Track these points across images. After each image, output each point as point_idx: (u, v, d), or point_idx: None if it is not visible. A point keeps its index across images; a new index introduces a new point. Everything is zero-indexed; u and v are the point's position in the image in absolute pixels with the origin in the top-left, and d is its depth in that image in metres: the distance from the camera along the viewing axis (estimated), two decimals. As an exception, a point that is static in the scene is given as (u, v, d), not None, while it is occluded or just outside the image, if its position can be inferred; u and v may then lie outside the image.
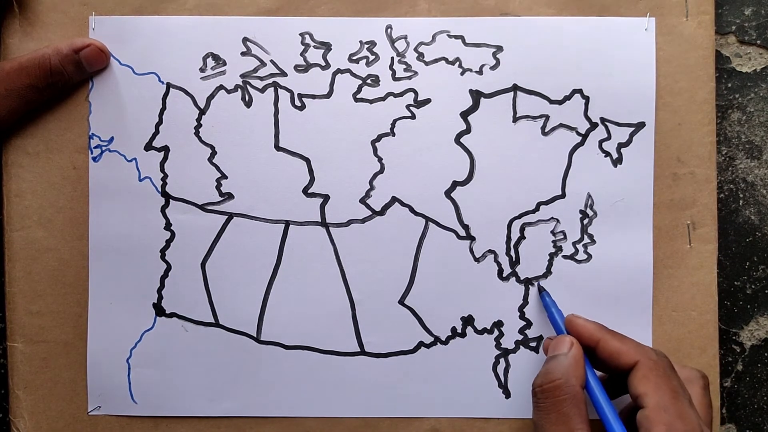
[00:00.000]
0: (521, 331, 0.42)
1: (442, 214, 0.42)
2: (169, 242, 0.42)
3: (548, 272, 0.42)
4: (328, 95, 0.42)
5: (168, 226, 0.42)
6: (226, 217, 0.42)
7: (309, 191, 0.42)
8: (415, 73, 0.42)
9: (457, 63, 0.42)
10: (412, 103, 0.42)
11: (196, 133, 0.42)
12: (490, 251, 0.42)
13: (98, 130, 0.42)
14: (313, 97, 0.42)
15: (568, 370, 0.35)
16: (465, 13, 0.42)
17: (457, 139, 0.42)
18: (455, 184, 0.42)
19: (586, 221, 0.42)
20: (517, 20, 0.42)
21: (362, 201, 0.42)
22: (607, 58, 0.42)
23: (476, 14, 0.42)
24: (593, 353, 0.37)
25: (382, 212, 0.42)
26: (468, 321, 0.42)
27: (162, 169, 0.42)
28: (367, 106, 0.42)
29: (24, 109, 0.41)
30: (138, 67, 0.42)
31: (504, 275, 0.42)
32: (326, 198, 0.42)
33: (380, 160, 0.42)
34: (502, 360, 0.42)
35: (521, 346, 0.42)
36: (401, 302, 0.42)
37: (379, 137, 0.42)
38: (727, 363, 0.44)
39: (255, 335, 0.43)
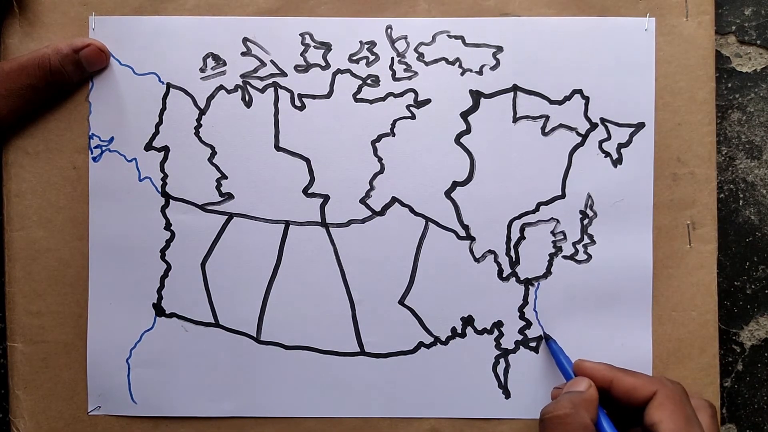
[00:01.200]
0: (521, 331, 0.42)
1: (442, 215, 0.42)
2: (169, 242, 0.42)
3: (548, 272, 0.42)
4: (328, 95, 0.42)
5: (168, 226, 0.42)
6: (226, 217, 0.42)
7: (309, 191, 0.42)
8: (415, 73, 0.42)
9: (457, 63, 0.42)
10: (412, 103, 0.42)
11: (196, 133, 0.42)
12: (490, 251, 0.42)
13: (98, 130, 0.42)
14: (313, 97, 0.42)
15: (580, 403, 0.35)
16: (465, 13, 0.42)
17: (457, 140, 0.42)
18: (455, 185, 0.42)
19: (586, 221, 0.42)
20: (517, 20, 0.42)
21: (362, 201, 0.42)
22: (607, 58, 0.42)
23: (476, 14, 0.42)
24: (606, 393, 0.37)
25: (382, 212, 0.42)
26: (468, 321, 0.42)
27: (162, 169, 0.42)
28: (367, 106, 0.42)
29: (24, 109, 0.41)
30: (138, 67, 0.42)
31: (504, 275, 0.42)
32: (326, 198, 0.42)
33: (380, 160, 0.42)
34: (502, 360, 0.42)
35: (521, 347, 0.42)
36: (401, 302, 0.42)
37: (379, 137, 0.42)
38: (727, 363, 0.44)
39: (255, 335, 0.43)
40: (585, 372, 0.38)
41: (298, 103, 0.42)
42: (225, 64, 0.42)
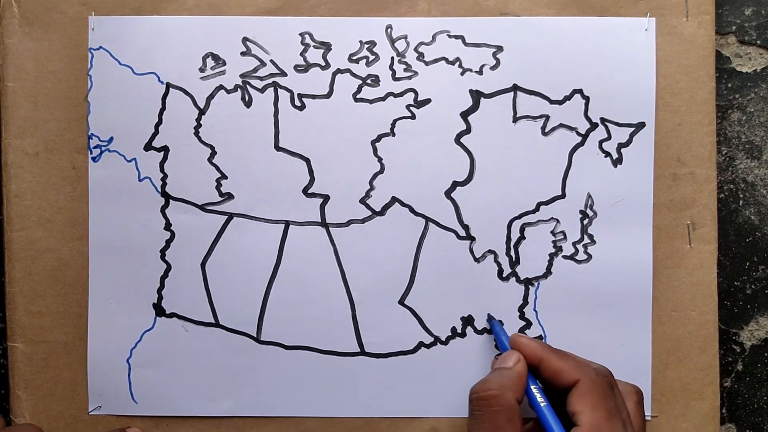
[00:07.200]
0: (521, 331, 0.42)
1: (442, 214, 0.42)
2: (169, 242, 0.42)
3: (548, 272, 0.42)
4: (328, 95, 0.42)
5: (168, 226, 0.42)
6: (226, 217, 0.42)
7: (309, 191, 0.42)
8: (415, 73, 0.42)
9: (457, 63, 0.42)
10: (412, 103, 0.42)
11: (196, 133, 0.42)
12: (490, 251, 0.42)
13: (98, 130, 0.42)
14: (313, 97, 0.42)
15: (506, 382, 0.35)
16: (465, 13, 0.42)
17: (457, 139, 0.42)
18: (455, 184, 0.42)
19: (586, 221, 0.42)
20: (517, 20, 0.42)
21: (362, 201, 0.42)
22: (607, 58, 0.42)
23: (476, 14, 0.42)
24: (537, 372, 0.37)
25: (382, 212, 0.42)
26: (468, 321, 0.42)
27: (162, 169, 0.42)
28: (367, 106, 0.42)
29: None
30: (138, 67, 0.42)
31: (504, 275, 0.42)
32: (326, 198, 0.42)
33: (380, 160, 0.42)
34: (502, 360, 0.42)
35: (521, 346, 0.42)
36: (401, 302, 0.42)
37: (379, 137, 0.42)
38: (727, 363, 0.44)
39: (255, 335, 0.43)
40: (518, 347, 0.38)
41: (297, 103, 0.42)
42: (225, 63, 0.42)
